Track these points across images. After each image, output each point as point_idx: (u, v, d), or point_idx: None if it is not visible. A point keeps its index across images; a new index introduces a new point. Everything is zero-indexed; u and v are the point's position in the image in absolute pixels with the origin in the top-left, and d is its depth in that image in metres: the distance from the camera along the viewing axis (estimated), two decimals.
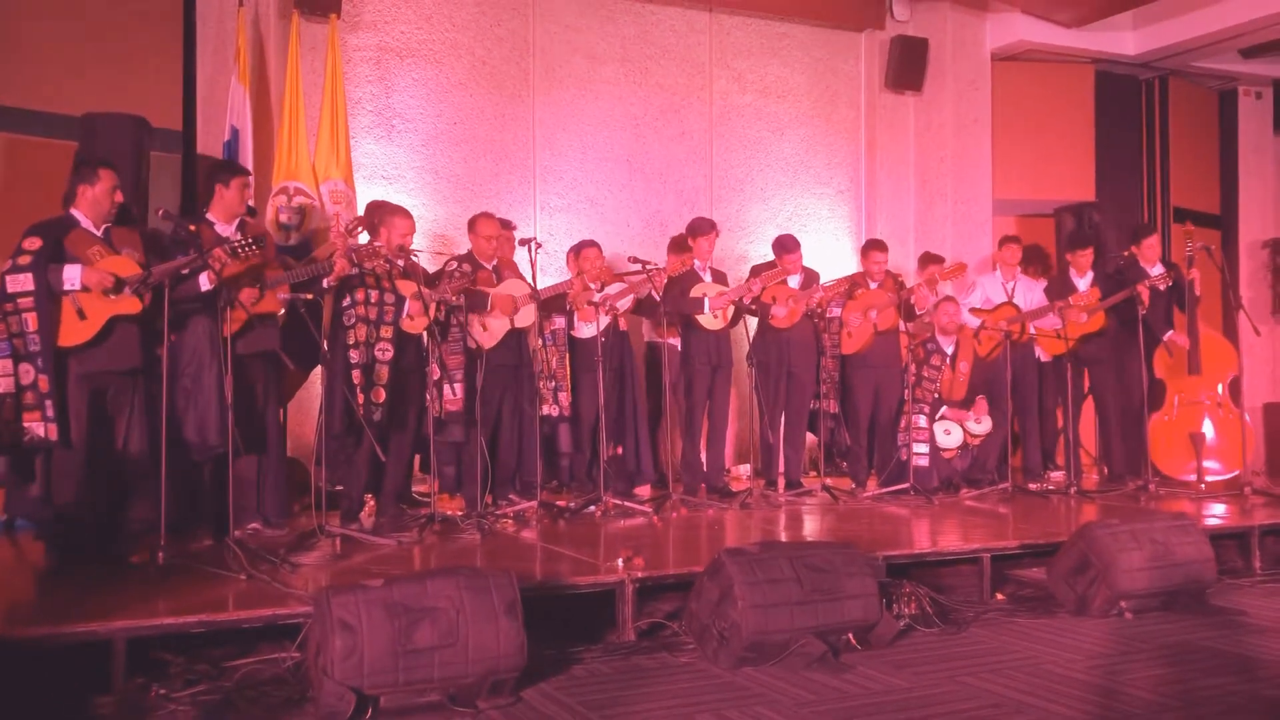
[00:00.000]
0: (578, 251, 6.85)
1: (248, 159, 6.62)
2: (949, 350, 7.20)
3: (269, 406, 5.42)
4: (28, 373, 4.46)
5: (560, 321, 6.57)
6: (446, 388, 5.82)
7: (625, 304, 6.69)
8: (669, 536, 5.50)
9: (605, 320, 6.44)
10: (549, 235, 7.78)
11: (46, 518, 4.79)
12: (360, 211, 6.66)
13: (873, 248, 7.49)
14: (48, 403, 4.47)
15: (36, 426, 4.46)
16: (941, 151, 9.34)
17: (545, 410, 6.42)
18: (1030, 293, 7.80)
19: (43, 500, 4.67)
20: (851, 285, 7.19)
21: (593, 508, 6.03)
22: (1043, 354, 7.64)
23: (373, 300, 5.47)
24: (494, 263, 6.35)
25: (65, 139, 6.03)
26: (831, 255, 8.83)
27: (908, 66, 9.12)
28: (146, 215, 5.79)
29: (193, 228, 4.93)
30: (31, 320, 4.46)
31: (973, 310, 7.61)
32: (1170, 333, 7.42)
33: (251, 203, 5.94)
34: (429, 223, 7.60)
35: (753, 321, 7.17)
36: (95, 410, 4.67)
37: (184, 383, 4.93)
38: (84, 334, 4.58)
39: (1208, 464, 7.29)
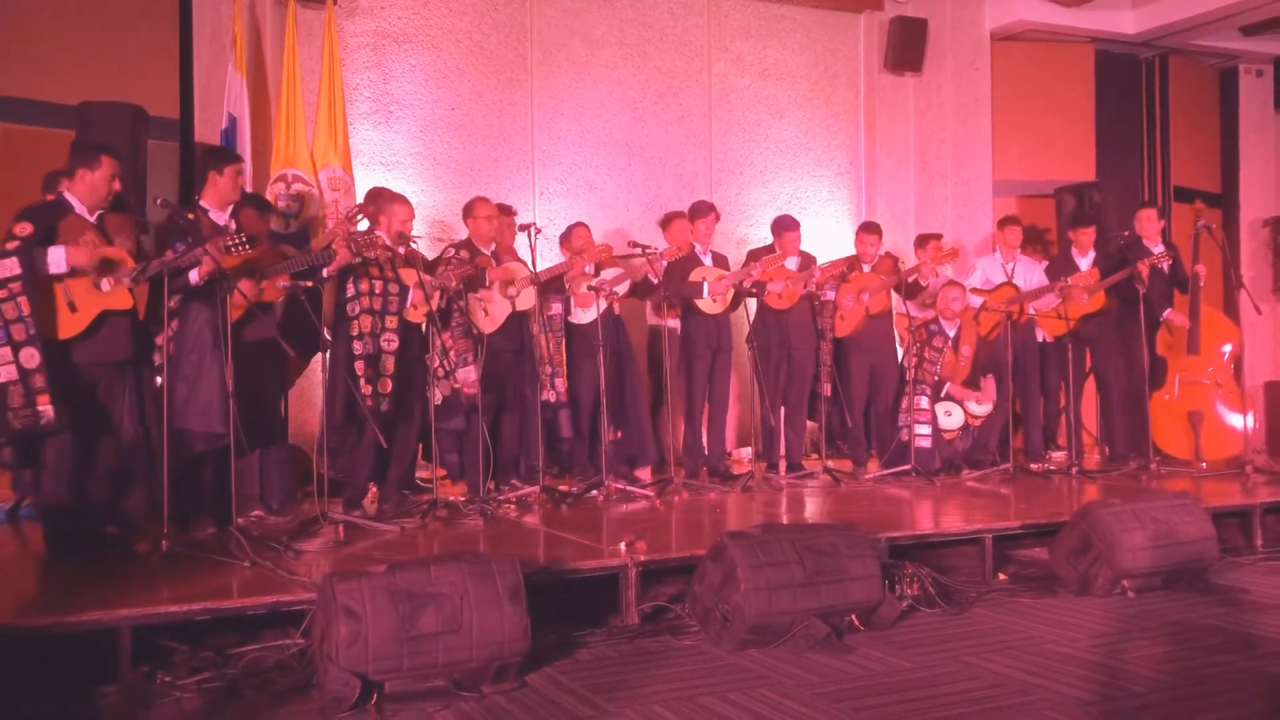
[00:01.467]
0: (567, 235, 6.84)
1: (245, 147, 6.61)
2: (951, 333, 7.19)
3: (272, 395, 5.41)
4: (32, 356, 4.39)
5: (557, 307, 6.56)
6: (463, 371, 5.81)
7: (623, 288, 6.68)
8: (671, 520, 5.50)
9: (603, 305, 6.43)
10: (548, 220, 7.76)
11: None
12: (359, 198, 6.66)
13: (865, 230, 7.51)
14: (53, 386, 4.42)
15: (49, 409, 4.39)
16: (941, 132, 9.31)
17: (544, 396, 6.42)
18: (1030, 273, 7.79)
19: (36, 488, 4.66)
20: (848, 267, 7.19)
21: (595, 492, 6.03)
22: (1044, 334, 7.63)
23: (377, 290, 5.45)
24: (493, 247, 6.34)
25: (63, 128, 6.01)
26: (832, 237, 8.81)
27: (907, 47, 9.09)
28: (145, 204, 5.79)
29: (191, 216, 4.91)
30: (25, 304, 4.38)
31: (973, 290, 7.60)
32: (1169, 311, 7.41)
33: (249, 189, 5.92)
34: (428, 209, 7.59)
35: (754, 304, 7.16)
36: (88, 402, 4.66)
37: (185, 372, 4.92)
38: (75, 327, 4.55)
39: (1210, 442, 7.30)
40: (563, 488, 6.18)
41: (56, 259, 4.46)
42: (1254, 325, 8.15)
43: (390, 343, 5.47)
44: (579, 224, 6.89)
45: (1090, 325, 7.41)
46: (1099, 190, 8.90)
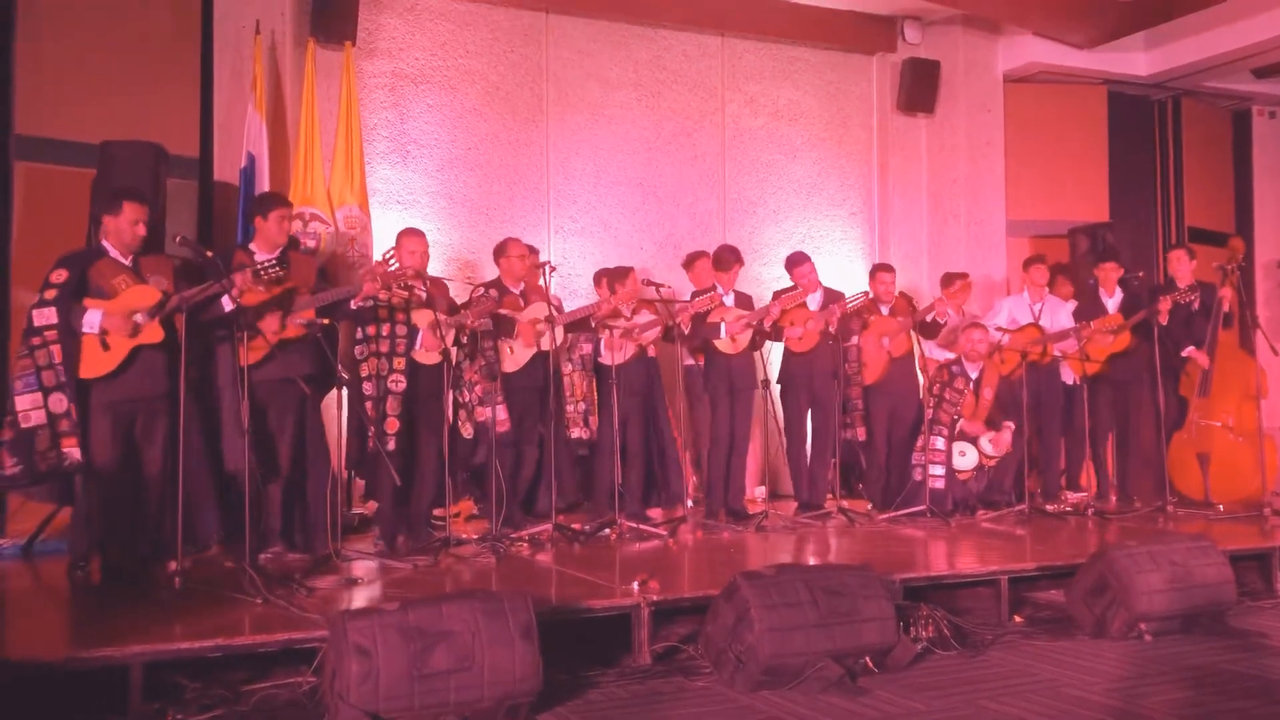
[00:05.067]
0: (622, 277, 6.78)
1: (264, 185, 6.67)
2: (973, 375, 7.16)
3: (306, 431, 5.43)
4: (60, 401, 4.58)
5: (588, 347, 6.60)
6: (495, 409, 5.83)
7: (653, 334, 6.70)
8: (684, 559, 5.49)
9: (632, 348, 6.46)
10: (562, 258, 7.82)
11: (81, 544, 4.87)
12: (375, 237, 6.76)
13: (880, 269, 7.55)
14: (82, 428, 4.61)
15: (74, 452, 4.59)
16: (954, 173, 9.34)
17: (576, 434, 6.46)
18: (1057, 313, 7.77)
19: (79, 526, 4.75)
20: (866, 306, 7.19)
21: (608, 531, 6.02)
22: (1073, 376, 7.58)
23: (384, 333, 5.54)
24: (521, 287, 6.39)
25: (84, 167, 6.09)
26: (845, 277, 8.81)
27: (920, 89, 9.14)
28: (164, 242, 5.84)
29: (210, 254, 4.98)
30: (58, 352, 4.59)
31: (1000, 329, 7.59)
32: (1190, 348, 7.38)
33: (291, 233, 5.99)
34: (444, 248, 7.64)
35: (775, 346, 7.18)
36: (123, 438, 4.72)
37: (220, 407, 5.00)
38: (108, 364, 4.66)
39: (1218, 484, 7.27)
40: (575, 526, 6.16)
41: (91, 321, 4.64)
42: (1270, 366, 8.09)
43: (398, 384, 5.52)
44: (630, 268, 6.88)
45: (1117, 367, 7.38)
46: (1112, 231, 8.90)
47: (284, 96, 7.25)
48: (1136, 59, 9.57)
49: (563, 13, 8.25)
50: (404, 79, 7.77)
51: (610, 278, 6.88)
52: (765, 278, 8.48)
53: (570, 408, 6.44)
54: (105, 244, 4.82)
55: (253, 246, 5.35)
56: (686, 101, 8.69)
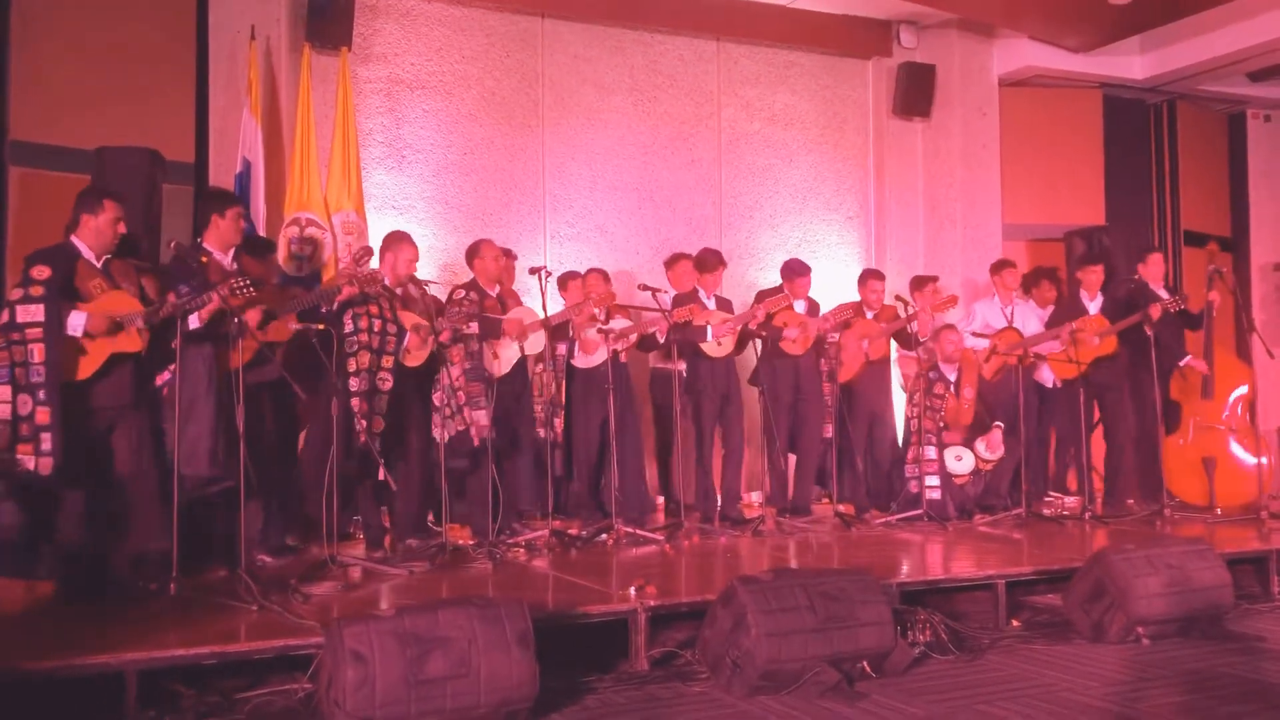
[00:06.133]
0: (583, 278, 6.84)
1: (259, 190, 6.67)
2: (952, 378, 7.17)
3: (279, 437, 5.42)
4: (25, 403, 4.38)
5: (562, 348, 6.58)
6: (475, 414, 5.81)
7: (631, 340, 6.70)
8: (681, 564, 5.47)
9: (607, 351, 6.46)
10: (559, 263, 7.81)
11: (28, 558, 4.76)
12: (372, 241, 6.72)
13: (870, 276, 7.56)
14: (43, 436, 4.37)
15: (28, 460, 4.36)
16: (950, 177, 9.34)
17: (541, 434, 6.42)
18: (1029, 317, 7.78)
19: (25, 538, 4.63)
20: (855, 314, 7.21)
21: (604, 536, 6.01)
22: (1055, 379, 7.59)
23: (375, 329, 5.49)
24: (497, 289, 6.39)
25: (80, 173, 6.07)
26: (841, 281, 8.82)
27: (915, 93, 9.15)
28: (159, 247, 5.83)
29: (205, 259, 4.95)
30: (38, 351, 4.39)
31: (976, 334, 7.60)
32: (1188, 358, 7.38)
33: (263, 232, 5.95)
34: (439, 253, 7.64)
35: (760, 345, 7.16)
36: (98, 445, 4.67)
37: (178, 415, 4.90)
38: (85, 370, 4.57)
39: (1224, 488, 7.25)
40: (572, 531, 6.15)
41: (75, 324, 4.49)
42: (1266, 370, 8.10)
43: (385, 382, 5.50)
44: (595, 269, 6.92)
45: (1101, 370, 7.38)
46: (1108, 234, 8.92)
47: (279, 102, 7.25)
48: (1132, 62, 9.58)
49: (558, 18, 8.26)
50: (400, 84, 7.77)
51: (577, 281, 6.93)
52: (762, 281, 8.47)
53: (538, 408, 6.42)
54: (78, 244, 4.66)
55: (207, 245, 5.25)
56: (682, 106, 8.69)
